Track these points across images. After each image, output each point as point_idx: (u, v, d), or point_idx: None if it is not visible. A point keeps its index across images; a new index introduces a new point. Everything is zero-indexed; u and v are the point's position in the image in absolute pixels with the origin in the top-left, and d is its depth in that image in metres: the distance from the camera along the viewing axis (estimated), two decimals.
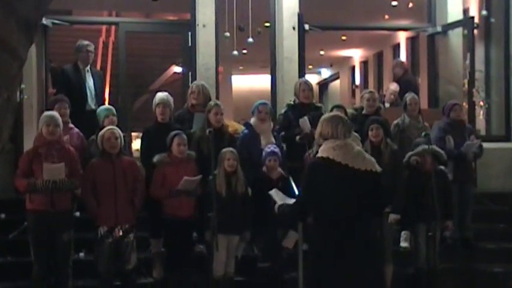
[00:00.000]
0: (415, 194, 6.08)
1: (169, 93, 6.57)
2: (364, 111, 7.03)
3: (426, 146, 6.11)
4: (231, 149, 5.94)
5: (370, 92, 7.28)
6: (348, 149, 4.15)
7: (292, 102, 7.15)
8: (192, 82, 7.85)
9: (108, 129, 5.78)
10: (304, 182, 4.25)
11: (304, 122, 6.60)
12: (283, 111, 7.20)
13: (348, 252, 4.05)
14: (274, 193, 4.73)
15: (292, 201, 4.51)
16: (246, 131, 6.57)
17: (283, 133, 6.85)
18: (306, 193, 4.19)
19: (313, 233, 4.28)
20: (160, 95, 6.43)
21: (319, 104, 7.32)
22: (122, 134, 5.85)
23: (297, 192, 4.92)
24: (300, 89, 6.97)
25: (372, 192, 4.15)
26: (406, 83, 9.23)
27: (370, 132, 6.12)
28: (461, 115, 7.17)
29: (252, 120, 6.54)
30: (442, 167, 6.30)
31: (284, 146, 6.73)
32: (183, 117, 6.62)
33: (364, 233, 4.12)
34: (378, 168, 4.19)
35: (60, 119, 5.74)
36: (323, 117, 4.41)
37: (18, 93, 7.63)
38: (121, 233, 5.63)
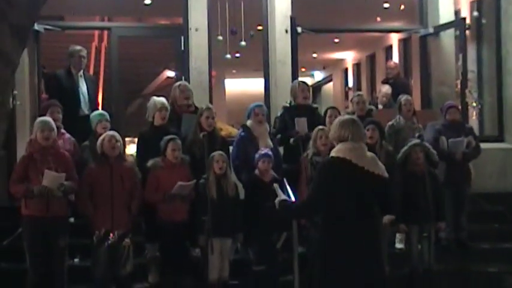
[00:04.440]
0: (407, 195, 6.09)
1: (163, 97, 6.57)
2: (355, 114, 7.05)
3: (418, 140, 6.13)
4: (220, 152, 5.94)
5: (359, 95, 7.33)
6: (363, 152, 4.28)
7: (288, 104, 7.15)
8: None
9: (109, 133, 5.81)
10: (317, 179, 4.31)
11: (302, 122, 6.58)
12: (279, 114, 7.19)
13: (356, 250, 4.14)
14: (277, 187, 4.72)
15: (292, 199, 4.57)
16: (242, 133, 6.53)
17: (279, 135, 6.84)
18: (320, 190, 4.24)
19: (322, 231, 4.32)
20: (161, 99, 6.41)
21: (315, 105, 7.31)
22: (121, 140, 5.87)
23: (291, 195, 4.90)
24: (298, 90, 6.97)
25: (380, 196, 4.30)
26: (400, 85, 9.26)
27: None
28: (457, 117, 7.17)
29: (249, 123, 6.51)
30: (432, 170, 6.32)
31: (281, 148, 6.72)
32: (168, 118, 6.57)
33: (372, 233, 4.26)
34: (386, 174, 4.33)
35: (54, 124, 5.73)
36: (342, 119, 4.44)
37: (11, 99, 7.65)
38: (116, 238, 5.62)
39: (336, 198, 4.16)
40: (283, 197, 4.52)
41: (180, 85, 6.89)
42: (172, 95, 6.79)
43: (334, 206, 4.17)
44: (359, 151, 4.25)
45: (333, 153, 4.28)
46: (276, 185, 4.67)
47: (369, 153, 4.34)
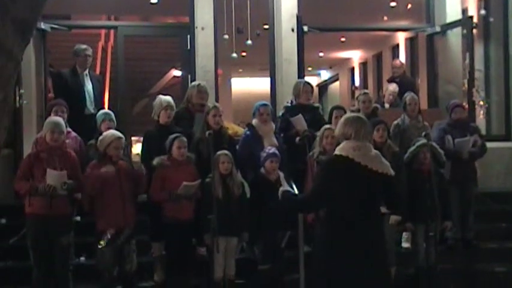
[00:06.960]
0: (413, 194, 6.07)
1: (169, 96, 6.57)
2: (361, 113, 7.03)
3: (425, 140, 6.11)
4: (225, 152, 5.92)
5: (365, 93, 7.27)
6: (367, 151, 4.23)
7: (289, 104, 7.13)
8: None
9: (118, 138, 5.69)
10: (320, 177, 4.31)
11: (299, 119, 6.57)
12: (280, 113, 7.18)
13: (360, 250, 4.12)
14: (283, 177, 4.72)
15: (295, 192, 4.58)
16: (248, 132, 6.53)
17: (282, 135, 6.83)
18: (321, 188, 4.22)
19: (325, 230, 4.32)
20: (167, 98, 6.41)
21: (316, 104, 7.29)
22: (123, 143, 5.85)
23: (296, 192, 4.90)
24: (302, 90, 6.94)
25: (384, 194, 4.28)
26: (407, 83, 9.22)
27: (375, 133, 6.07)
28: (463, 116, 7.13)
29: (254, 122, 6.50)
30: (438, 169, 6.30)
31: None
32: (181, 116, 6.57)
33: (376, 233, 4.24)
34: (392, 172, 4.29)
35: (64, 126, 5.73)
36: (346, 117, 4.43)
37: (17, 98, 7.69)
38: (126, 237, 5.62)
39: (339, 197, 4.14)
40: (287, 187, 4.52)
41: (198, 85, 6.83)
42: (189, 93, 6.77)
43: (337, 205, 4.16)
44: (362, 149, 4.21)
45: (336, 151, 4.26)
46: (282, 174, 4.68)
47: (374, 151, 4.30)
